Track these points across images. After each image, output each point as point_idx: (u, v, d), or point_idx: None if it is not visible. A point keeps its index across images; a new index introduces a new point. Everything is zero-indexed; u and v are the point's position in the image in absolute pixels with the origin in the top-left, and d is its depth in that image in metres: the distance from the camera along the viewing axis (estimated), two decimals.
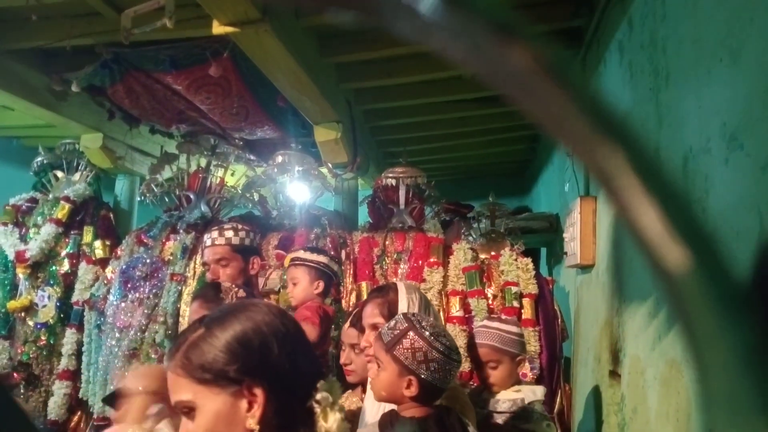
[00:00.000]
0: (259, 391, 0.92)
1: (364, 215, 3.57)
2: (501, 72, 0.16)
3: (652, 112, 1.80)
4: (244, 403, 0.92)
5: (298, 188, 3.51)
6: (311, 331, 2.08)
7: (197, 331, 0.95)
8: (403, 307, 1.75)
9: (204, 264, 2.54)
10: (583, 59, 2.91)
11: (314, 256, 2.39)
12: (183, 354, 0.94)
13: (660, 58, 1.74)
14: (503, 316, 2.47)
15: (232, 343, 0.93)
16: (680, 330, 0.15)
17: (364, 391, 1.87)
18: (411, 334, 1.47)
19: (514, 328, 2.04)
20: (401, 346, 1.45)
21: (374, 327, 1.75)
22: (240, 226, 2.48)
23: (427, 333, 1.47)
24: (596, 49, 2.67)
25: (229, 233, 2.41)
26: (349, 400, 1.91)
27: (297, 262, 2.39)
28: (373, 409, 1.69)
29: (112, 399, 1.93)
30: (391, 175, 3.25)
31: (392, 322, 1.53)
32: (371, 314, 1.80)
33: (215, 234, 2.43)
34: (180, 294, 3.06)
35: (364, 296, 2.90)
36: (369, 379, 1.83)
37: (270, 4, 2.13)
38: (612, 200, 0.16)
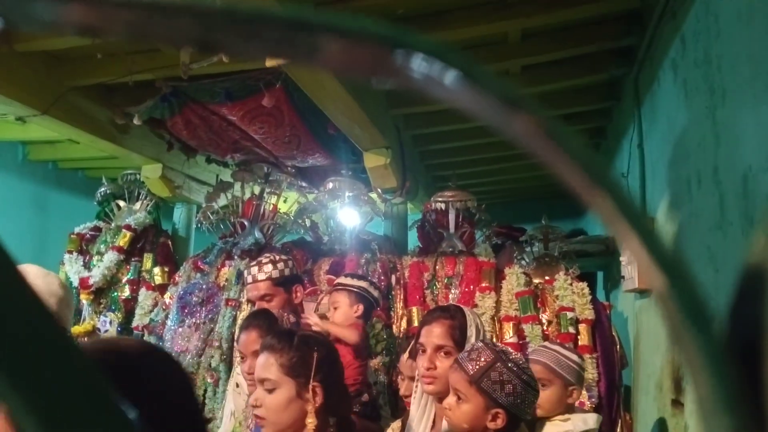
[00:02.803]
0: (319, 389, 1.45)
1: (413, 240, 3.57)
2: (511, 134, 0.21)
3: (708, 131, 1.75)
4: (309, 395, 1.43)
5: (348, 214, 3.55)
6: (353, 335, 2.22)
7: (294, 346, 1.49)
8: (471, 333, 1.71)
9: (248, 301, 2.54)
10: (636, 79, 2.85)
11: (354, 281, 2.43)
12: (284, 356, 1.47)
13: (715, 75, 1.69)
14: (566, 344, 2.41)
15: (319, 361, 1.47)
16: (673, 341, 0.19)
17: None
18: (498, 365, 1.43)
19: (574, 356, 1.98)
20: (489, 379, 1.42)
21: (438, 348, 1.69)
22: (278, 257, 2.45)
23: (512, 365, 1.44)
24: (649, 68, 2.62)
25: (269, 267, 2.37)
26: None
27: (338, 287, 2.44)
28: (421, 425, 1.68)
29: None
30: (440, 199, 3.25)
31: (473, 352, 1.49)
32: (439, 335, 1.71)
33: (255, 271, 2.39)
34: (234, 319, 3.12)
35: (415, 322, 2.89)
36: (423, 398, 1.80)
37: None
38: (613, 233, 0.20)
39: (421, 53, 0.19)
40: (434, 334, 1.73)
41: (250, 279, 2.40)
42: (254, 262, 2.48)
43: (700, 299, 0.19)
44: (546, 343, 2.12)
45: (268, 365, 1.48)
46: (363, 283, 2.43)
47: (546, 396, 1.87)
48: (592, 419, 1.91)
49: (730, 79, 1.58)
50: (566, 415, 1.88)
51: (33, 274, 1.63)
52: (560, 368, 1.90)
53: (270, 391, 1.46)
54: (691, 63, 1.95)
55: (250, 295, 2.43)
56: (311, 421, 1.42)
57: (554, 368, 1.89)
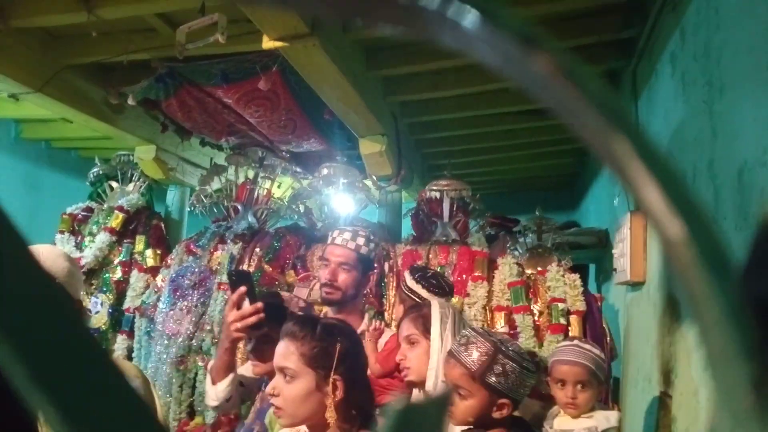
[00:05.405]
0: (340, 383, 1.37)
1: (407, 228, 3.57)
2: (529, 77, 0.19)
3: (706, 125, 1.75)
4: (329, 388, 1.35)
5: (342, 200, 3.54)
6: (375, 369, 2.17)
7: (316, 336, 1.41)
8: (435, 318, 1.80)
9: (322, 258, 2.31)
10: (634, 71, 2.84)
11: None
12: (305, 346, 1.39)
13: (714, 68, 1.69)
14: (587, 341, 2.37)
15: (342, 353, 1.38)
16: (683, 294, 0.19)
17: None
18: (500, 357, 1.40)
19: (602, 354, 1.95)
20: (492, 372, 1.39)
21: (408, 339, 1.85)
22: (372, 236, 2.31)
23: (512, 353, 1.42)
24: (648, 60, 2.61)
25: (361, 240, 2.22)
26: None
27: None
28: None
29: (236, 277, 1.89)
30: (435, 187, 3.24)
31: (469, 346, 1.44)
32: (407, 327, 1.87)
33: (347, 236, 2.23)
34: (226, 303, 3.11)
35: None
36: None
37: (319, 18, 2.17)
38: (624, 182, 0.19)
39: None
40: (403, 328, 1.88)
41: (339, 240, 2.22)
42: (348, 228, 2.35)
43: (722, 246, 0.18)
44: (576, 341, 2.04)
45: (288, 353, 1.40)
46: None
47: (585, 398, 1.84)
48: (614, 417, 1.88)
49: (729, 73, 1.58)
50: (590, 413, 1.85)
51: (40, 251, 1.65)
52: (598, 369, 1.88)
53: (289, 381, 1.39)
54: (690, 56, 1.94)
55: (330, 257, 2.21)
56: (332, 416, 1.34)
57: (594, 370, 1.87)
